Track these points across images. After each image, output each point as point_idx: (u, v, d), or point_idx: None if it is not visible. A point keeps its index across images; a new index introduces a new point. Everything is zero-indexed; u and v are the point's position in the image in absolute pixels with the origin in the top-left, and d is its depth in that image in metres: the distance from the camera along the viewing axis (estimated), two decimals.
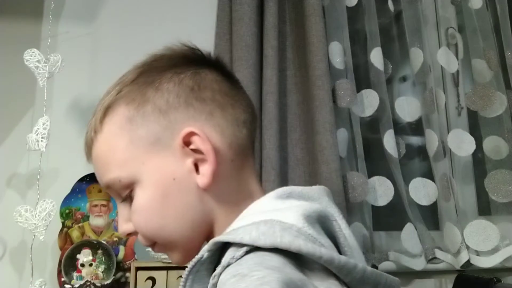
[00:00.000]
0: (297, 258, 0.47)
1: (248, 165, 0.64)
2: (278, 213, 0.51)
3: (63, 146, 1.40)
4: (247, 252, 0.47)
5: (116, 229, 1.36)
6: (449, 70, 1.67)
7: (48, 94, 1.35)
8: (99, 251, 1.33)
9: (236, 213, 0.58)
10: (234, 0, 1.51)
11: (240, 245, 0.48)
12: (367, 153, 1.57)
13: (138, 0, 1.60)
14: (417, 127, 1.70)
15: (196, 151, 0.59)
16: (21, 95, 1.48)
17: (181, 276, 0.72)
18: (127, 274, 1.36)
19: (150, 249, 0.66)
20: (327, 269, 0.48)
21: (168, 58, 0.65)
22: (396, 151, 1.56)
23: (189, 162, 0.59)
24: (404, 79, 1.80)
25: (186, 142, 0.59)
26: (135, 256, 1.37)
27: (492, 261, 1.51)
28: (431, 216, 1.65)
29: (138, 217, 0.60)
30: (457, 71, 1.72)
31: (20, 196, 1.42)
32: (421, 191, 1.57)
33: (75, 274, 1.29)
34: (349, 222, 1.48)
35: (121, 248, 1.37)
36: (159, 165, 0.59)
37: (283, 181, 1.44)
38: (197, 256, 0.51)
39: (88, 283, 1.27)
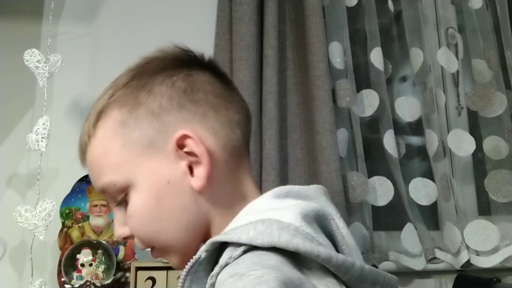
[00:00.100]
0: (295, 257, 0.47)
1: (243, 166, 0.64)
2: (276, 212, 0.51)
3: (63, 146, 1.39)
4: (244, 252, 0.47)
5: None
6: (449, 70, 1.67)
7: (48, 94, 1.35)
8: (99, 251, 1.33)
9: (232, 215, 0.58)
10: (234, 0, 1.51)
11: (238, 244, 0.48)
12: (367, 153, 1.57)
13: (138, 0, 1.60)
14: (417, 127, 1.70)
15: (190, 153, 0.59)
16: (21, 95, 1.48)
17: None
18: (127, 274, 1.36)
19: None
20: (325, 268, 0.48)
21: (160, 60, 0.64)
22: (396, 151, 1.56)
23: (183, 164, 0.59)
24: (404, 79, 1.80)
25: (180, 145, 0.59)
26: (135, 256, 1.37)
27: (492, 261, 1.51)
28: (431, 216, 1.65)
29: (134, 220, 0.60)
30: (457, 71, 1.72)
31: (20, 196, 1.42)
32: (421, 191, 1.57)
33: (75, 274, 1.29)
34: (349, 222, 1.48)
35: (121, 248, 1.38)
36: (153, 168, 0.59)
37: (283, 181, 1.44)
38: (195, 257, 0.51)
39: (88, 283, 1.27)
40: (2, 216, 1.39)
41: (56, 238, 1.36)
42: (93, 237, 1.36)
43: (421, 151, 1.73)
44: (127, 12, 1.59)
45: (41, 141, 1.25)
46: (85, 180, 1.39)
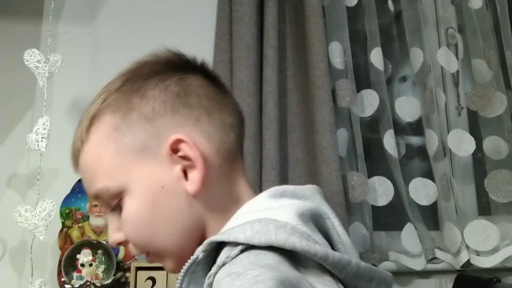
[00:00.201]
0: (291, 256, 0.47)
1: (238, 169, 0.64)
2: (272, 212, 0.52)
3: (63, 146, 1.38)
4: (242, 251, 0.47)
5: None
6: (449, 70, 1.67)
7: (48, 94, 1.35)
8: (99, 251, 1.33)
9: (227, 218, 0.58)
10: (234, 0, 1.51)
11: (235, 244, 0.48)
12: (367, 153, 1.57)
13: (138, 0, 1.60)
14: (417, 127, 1.70)
15: (184, 158, 0.58)
16: (21, 95, 1.48)
17: None
18: (127, 274, 1.36)
19: None
20: (322, 266, 0.48)
21: (152, 64, 0.64)
22: (396, 151, 1.56)
23: (177, 169, 0.59)
24: (404, 79, 1.80)
25: (174, 149, 0.58)
26: (135, 256, 1.37)
27: (492, 261, 1.51)
28: (431, 216, 1.65)
29: (128, 226, 0.60)
30: (457, 71, 1.72)
31: (20, 196, 1.42)
32: (421, 191, 1.57)
33: (75, 274, 1.29)
34: (349, 222, 1.48)
35: (121, 248, 1.37)
36: (147, 173, 0.58)
37: (283, 181, 1.44)
38: (192, 257, 0.51)
39: (88, 283, 1.27)
40: (2, 216, 1.39)
41: (56, 238, 1.36)
42: (93, 237, 1.37)
43: (421, 151, 1.73)
44: (127, 12, 1.59)
45: (41, 141, 1.25)
46: None
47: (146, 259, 0.63)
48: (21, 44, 1.37)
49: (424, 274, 1.56)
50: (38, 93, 1.47)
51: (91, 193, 0.62)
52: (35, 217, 1.23)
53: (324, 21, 1.55)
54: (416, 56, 1.65)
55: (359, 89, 1.60)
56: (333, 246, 0.55)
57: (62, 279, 1.29)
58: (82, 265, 1.30)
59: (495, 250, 1.52)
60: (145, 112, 0.59)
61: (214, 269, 0.47)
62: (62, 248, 1.35)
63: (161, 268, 1.27)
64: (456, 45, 1.74)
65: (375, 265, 1.43)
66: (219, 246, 0.50)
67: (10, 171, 1.44)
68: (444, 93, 1.72)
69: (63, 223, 1.37)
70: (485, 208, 1.64)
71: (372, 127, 1.67)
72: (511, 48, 1.65)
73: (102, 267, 1.32)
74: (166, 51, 0.65)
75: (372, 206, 1.53)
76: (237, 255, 0.47)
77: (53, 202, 1.26)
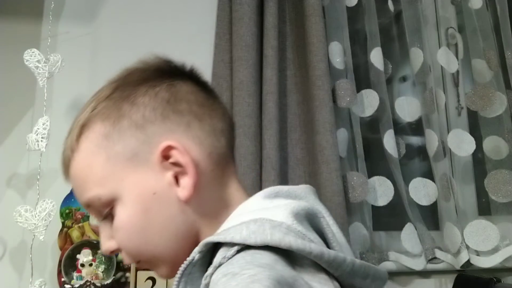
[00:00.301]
0: (287, 255, 0.48)
1: (229, 173, 0.64)
2: (267, 212, 0.52)
3: None
4: (238, 251, 0.47)
5: None
6: (449, 70, 1.67)
7: (48, 94, 1.35)
8: (99, 251, 1.33)
9: (218, 222, 0.58)
10: (234, 0, 1.51)
11: (231, 244, 0.48)
12: (367, 153, 1.57)
13: (138, 0, 1.60)
14: (417, 127, 1.70)
15: (175, 164, 0.58)
16: (21, 95, 1.48)
17: None
18: (127, 274, 1.36)
19: None
20: (317, 265, 0.49)
21: (142, 71, 0.64)
22: (396, 151, 1.56)
23: (169, 175, 0.58)
24: (404, 79, 1.80)
25: (165, 156, 0.58)
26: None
27: (492, 261, 1.50)
28: (431, 216, 1.65)
29: (121, 234, 0.59)
30: (457, 71, 1.72)
31: (20, 196, 1.42)
32: (421, 191, 1.57)
33: (75, 274, 1.29)
34: (349, 222, 1.48)
35: None
36: (138, 180, 0.58)
37: (283, 181, 1.44)
38: (189, 258, 0.51)
39: (88, 283, 1.27)
40: (2, 216, 1.39)
41: (56, 238, 1.36)
42: (93, 237, 1.36)
43: (421, 151, 1.73)
44: (127, 12, 1.59)
45: (41, 141, 1.25)
46: None
47: (137, 266, 0.62)
48: (21, 44, 1.37)
49: (424, 274, 1.56)
50: (38, 93, 1.47)
51: (82, 202, 0.62)
52: (35, 217, 1.23)
53: (324, 21, 1.55)
54: (416, 56, 1.65)
55: (359, 89, 1.60)
56: (328, 245, 0.55)
57: (62, 279, 1.30)
58: (82, 265, 1.30)
59: (495, 250, 1.51)
60: (135, 119, 0.59)
61: (210, 269, 0.47)
62: (62, 248, 1.35)
63: None
64: (456, 45, 1.74)
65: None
66: (215, 246, 0.50)
67: (10, 171, 1.44)
68: (444, 93, 1.72)
69: (63, 223, 1.37)
70: (485, 208, 1.64)
71: (372, 127, 1.67)
72: (511, 48, 1.65)
73: (102, 267, 1.32)
74: (155, 58, 0.65)
75: (372, 206, 1.53)
76: (233, 256, 0.47)
77: (53, 202, 1.26)
